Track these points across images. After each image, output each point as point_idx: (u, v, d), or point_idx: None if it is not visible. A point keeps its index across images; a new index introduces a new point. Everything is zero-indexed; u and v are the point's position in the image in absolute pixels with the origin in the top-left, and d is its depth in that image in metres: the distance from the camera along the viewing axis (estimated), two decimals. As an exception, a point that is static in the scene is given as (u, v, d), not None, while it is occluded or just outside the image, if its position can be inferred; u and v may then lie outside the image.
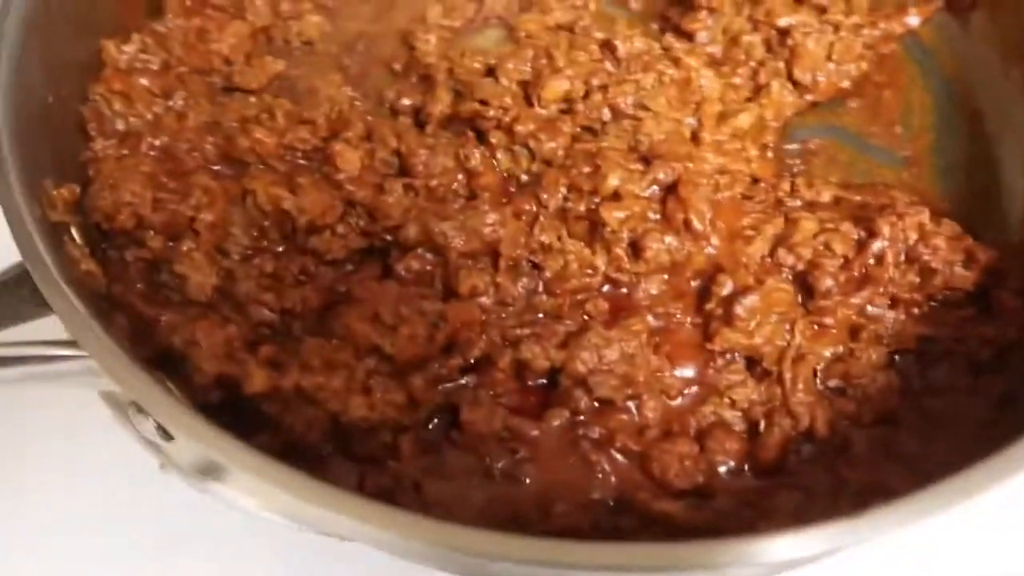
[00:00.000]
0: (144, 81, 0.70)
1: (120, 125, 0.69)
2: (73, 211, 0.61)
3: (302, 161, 0.69)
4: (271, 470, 0.45)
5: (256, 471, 0.46)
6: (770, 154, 0.73)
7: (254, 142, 0.68)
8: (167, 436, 0.52)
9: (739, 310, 0.60)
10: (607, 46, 0.72)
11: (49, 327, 0.53)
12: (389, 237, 0.64)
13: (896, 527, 0.41)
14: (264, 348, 0.59)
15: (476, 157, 0.68)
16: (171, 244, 0.63)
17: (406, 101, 0.75)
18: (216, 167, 0.69)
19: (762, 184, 0.70)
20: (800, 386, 0.58)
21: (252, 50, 0.78)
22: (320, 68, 0.79)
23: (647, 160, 0.67)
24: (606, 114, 0.69)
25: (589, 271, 0.63)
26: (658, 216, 0.65)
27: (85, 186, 0.63)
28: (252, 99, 0.73)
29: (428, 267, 0.63)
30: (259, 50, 0.78)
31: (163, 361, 0.58)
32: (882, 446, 0.57)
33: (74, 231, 0.61)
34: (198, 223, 0.64)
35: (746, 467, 0.57)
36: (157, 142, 0.68)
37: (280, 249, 0.65)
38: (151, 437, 0.55)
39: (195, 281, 0.62)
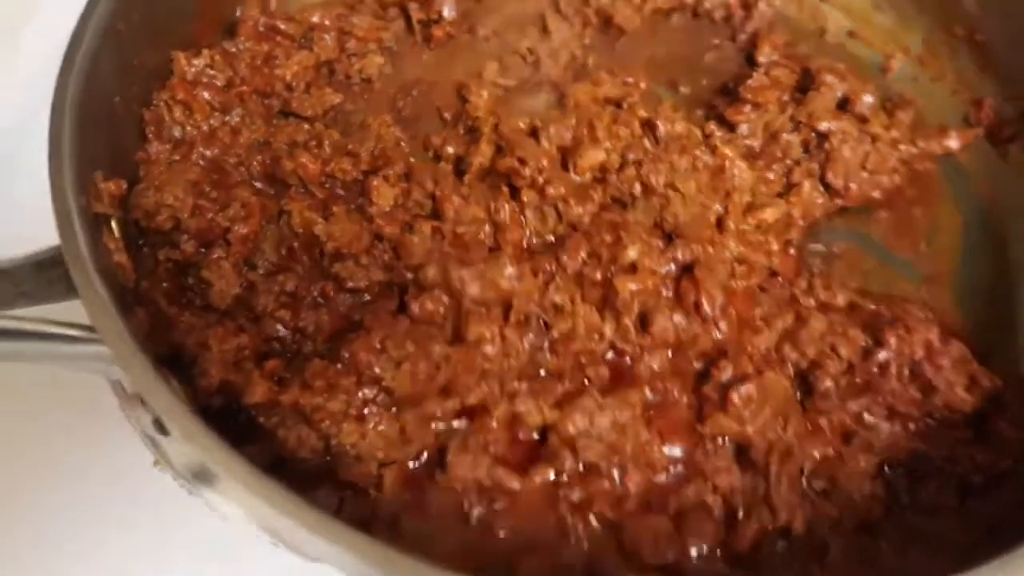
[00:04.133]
0: (206, 94, 0.74)
1: (177, 132, 0.72)
2: (117, 205, 0.64)
3: (340, 191, 0.72)
4: (256, 480, 0.47)
5: (242, 478, 0.47)
6: (792, 251, 0.74)
7: (298, 166, 0.71)
8: (163, 431, 0.54)
9: (735, 397, 0.60)
10: (648, 125, 0.74)
11: (73, 312, 0.55)
12: (409, 275, 0.67)
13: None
14: (271, 362, 0.61)
15: (506, 211, 0.70)
16: (203, 250, 0.66)
17: (450, 149, 0.79)
18: (258, 184, 0.72)
19: (780, 279, 0.71)
20: (784, 482, 0.59)
21: (314, 80, 0.82)
22: (375, 106, 0.83)
23: (669, 238, 0.68)
24: (637, 189, 0.71)
25: (596, 336, 0.64)
26: (671, 294, 0.66)
27: (132, 184, 0.66)
28: (305, 126, 0.77)
29: (441, 309, 0.64)
30: (320, 81, 0.82)
31: (173, 361, 0.61)
32: (859, 554, 0.56)
33: (114, 224, 0.63)
34: (232, 234, 0.67)
35: (719, 553, 0.57)
36: (208, 153, 0.72)
37: (305, 270, 0.68)
38: (149, 431, 0.56)
39: (218, 288, 0.64)
